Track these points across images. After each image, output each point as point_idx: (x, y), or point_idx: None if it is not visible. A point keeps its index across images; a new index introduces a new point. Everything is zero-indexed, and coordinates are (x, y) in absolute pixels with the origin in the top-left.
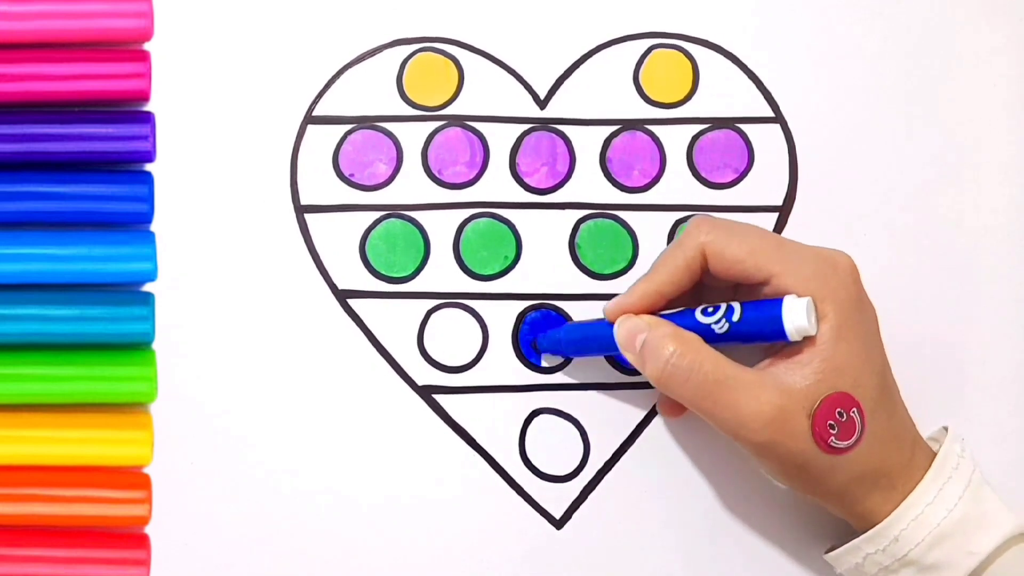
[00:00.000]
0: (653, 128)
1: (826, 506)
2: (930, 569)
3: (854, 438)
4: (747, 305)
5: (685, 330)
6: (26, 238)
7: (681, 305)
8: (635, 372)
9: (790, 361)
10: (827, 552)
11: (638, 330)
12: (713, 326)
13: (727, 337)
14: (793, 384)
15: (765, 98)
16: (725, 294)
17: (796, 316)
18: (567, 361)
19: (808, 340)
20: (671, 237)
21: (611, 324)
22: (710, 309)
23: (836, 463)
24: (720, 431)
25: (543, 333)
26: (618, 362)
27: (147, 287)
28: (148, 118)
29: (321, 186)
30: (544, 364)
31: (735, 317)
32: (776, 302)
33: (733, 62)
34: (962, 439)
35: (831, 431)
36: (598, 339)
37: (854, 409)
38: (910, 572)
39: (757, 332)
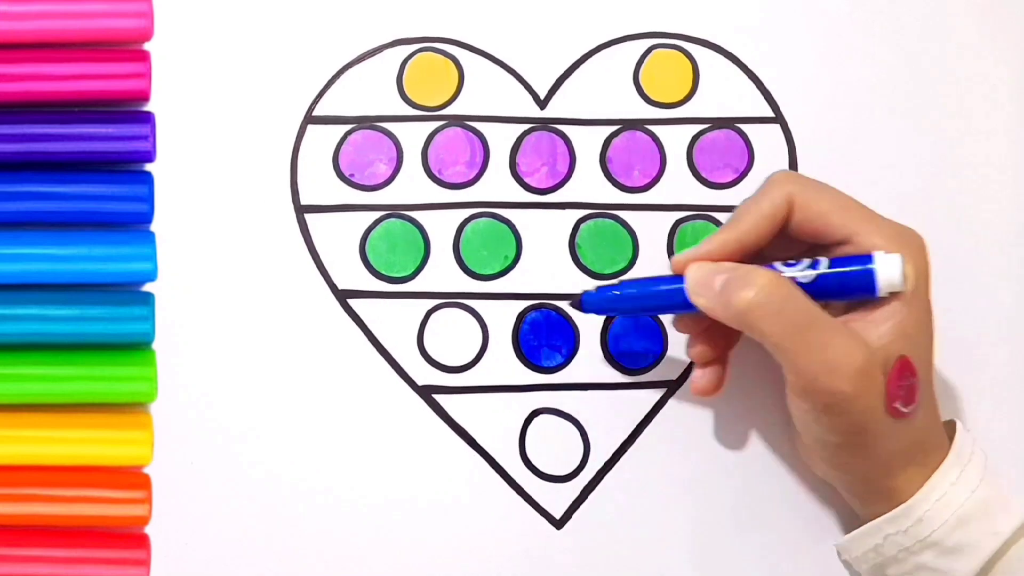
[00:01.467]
0: (653, 128)
1: (853, 483)
2: (952, 551)
3: (915, 404)
4: (834, 260)
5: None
6: (26, 238)
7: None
8: (636, 372)
9: (866, 319)
10: (843, 536)
11: (718, 271)
12: (798, 276)
13: (811, 289)
14: (872, 341)
15: (765, 98)
16: (802, 249)
17: (890, 270)
18: (567, 361)
19: (884, 301)
20: (671, 237)
21: (678, 278)
22: (792, 261)
23: (891, 429)
24: (795, 379)
25: (590, 293)
26: (619, 363)
27: (147, 287)
28: (148, 118)
29: (321, 186)
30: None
31: (822, 268)
32: (866, 256)
33: (733, 62)
34: (969, 431)
35: (900, 394)
36: (662, 294)
37: (914, 377)
38: (931, 554)
39: (845, 285)
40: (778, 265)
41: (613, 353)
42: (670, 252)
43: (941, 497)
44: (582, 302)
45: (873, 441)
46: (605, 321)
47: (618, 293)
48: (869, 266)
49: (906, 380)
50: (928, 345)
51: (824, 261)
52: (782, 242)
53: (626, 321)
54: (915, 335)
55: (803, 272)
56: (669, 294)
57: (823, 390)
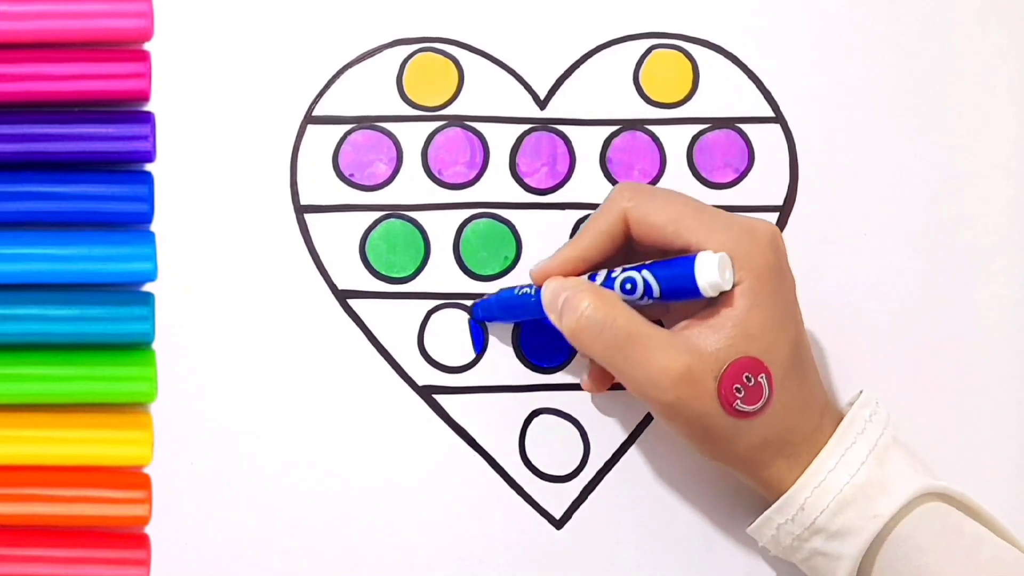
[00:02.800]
0: (653, 128)
1: (735, 472)
2: (837, 535)
3: (761, 403)
4: (661, 264)
5: (604, 288)
6: (26, 238)
7: (613, 266)
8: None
9: (704, 325)
10: (748, 527)
11: (562, 290)
12: (624, 284)
13: (647, 296)
14: (704, 347)
15: (765, 98)
16: (653, 256)
17: (708, 272)
18: (567, 361)
19: (722, 305)
20: None
21: (539, 289)
22: (630, 266)
23: (741, 427)
24: (629, 389)
25: (477, 303)
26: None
27: (147, 287)
28: (148, 118)
29: (321, 186)
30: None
31: (645, 274)
32: (689, 259)
33: (733, 62)
34: (875, 402)
35: (737, 395)
36: (527, 306)
37: (763, 375)
38: (820, 540)
39: (671, 289)
40: (616, 273)
41: None
42: None
43: (820, 484)
44: (474, 309)
45: (723, 439)
46: None
47: (482, 297)
48: (688, 270)
49: (744, 381)
50: (784, 339)
51: (646, 270)
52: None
53: None
54: (761, 335)
55: (626, 275)
56: (530, 306)
57: (651, 399)
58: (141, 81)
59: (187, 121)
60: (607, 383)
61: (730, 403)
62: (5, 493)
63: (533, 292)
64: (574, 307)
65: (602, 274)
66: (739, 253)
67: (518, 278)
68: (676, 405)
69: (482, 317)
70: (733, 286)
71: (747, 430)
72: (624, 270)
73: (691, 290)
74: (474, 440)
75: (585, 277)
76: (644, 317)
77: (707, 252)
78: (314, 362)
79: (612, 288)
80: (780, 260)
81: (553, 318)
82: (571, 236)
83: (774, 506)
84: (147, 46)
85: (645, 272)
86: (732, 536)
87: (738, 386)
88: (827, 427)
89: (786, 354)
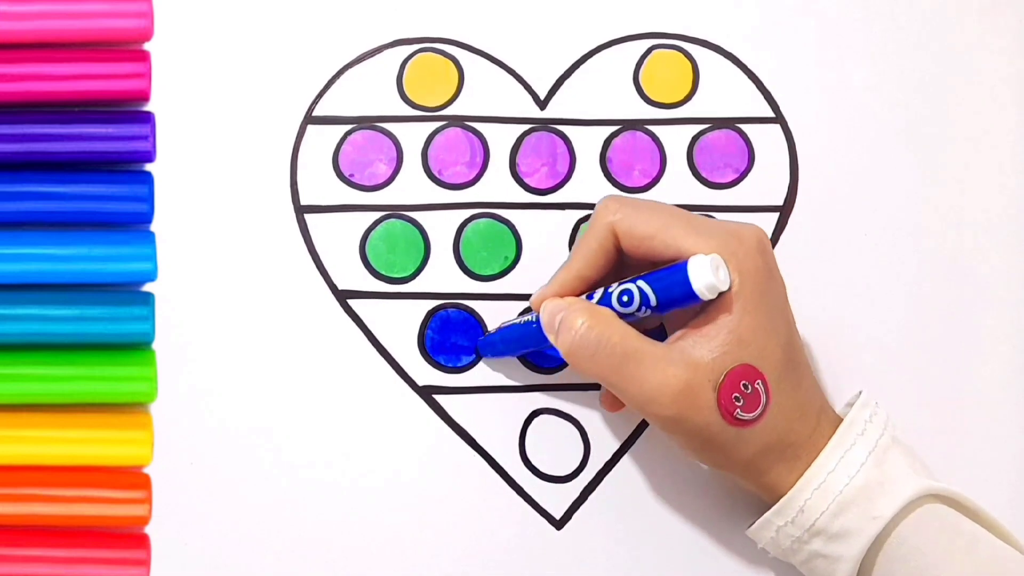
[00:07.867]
0: (653, 128)
1: (736, 479)
2: (837, 537)
3: (759, 410)
4: (656, 273)
5: (599, 306)
6: (26, 238)
7: (609, 283)
8: None
9: (697, 334)
10: (747, 528)
11: (558, 310)
12: (621, 298)
13: (644, 306)
14: (700, 357)
15: (765, 98)
16: (646, 269)
17: (702, 274)
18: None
19: (714, 312)
20: None
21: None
22: (626, 280)
23: (742, 435)
24: (629, 405)
25: (480, 339)
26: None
27: (147, 287)
28: (148, 118)
29: (321, 186)
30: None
31: (641, 284)
32: (682, 264)
33: (733, 62)
34: (875, 403)
35: (736, 404)
36: (530, 334)
37: (759, 381)
38: (820, 542)
39: (668, 297)
40: (613, 288)
41: None
42: None
43: (819, 486)
44: (479, 348)
45: (725, 449)
46: None
47: (483, 338)
48: (683, 275)
49: (741, 389)
50: (776, 342)
51: (641, 280)
52: (630, 257)
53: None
54: (754, 340)
55: (623, 288)
56: (532, 334)
57: (651, 415)
58: (141, 81)
59: (187, 121)
60: (622, 404)
61: (730, 412)
62: (5, 493)
63: (534, 319)
64: (569, 326)
65: (599, 292)
66: (728, 258)
67: (518, 278)
68: (677, 419)
69: (487, 354)
70: (728, 288)
71: (748, 437)
72: (620, 284)
73: (688, 295)
74: (474, 440)
75: (582, 296)
76: (640, 332)
77: (699, 255)
78: (314, 362)
79: (609, 303)
80: (769, 263)
81: (552, 339)
82: (571, 237)
83: (774, 508)
84: (147, 46)
85: (640, 283)
86: (732, 537)
87: (737, 395)
88: (825, 429)
89: (779, 358)
